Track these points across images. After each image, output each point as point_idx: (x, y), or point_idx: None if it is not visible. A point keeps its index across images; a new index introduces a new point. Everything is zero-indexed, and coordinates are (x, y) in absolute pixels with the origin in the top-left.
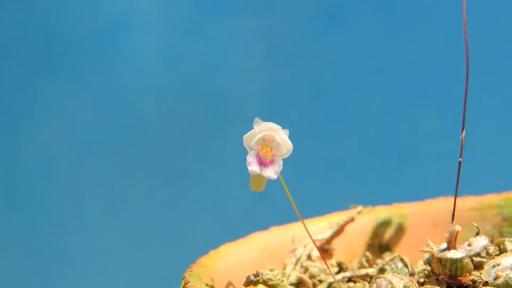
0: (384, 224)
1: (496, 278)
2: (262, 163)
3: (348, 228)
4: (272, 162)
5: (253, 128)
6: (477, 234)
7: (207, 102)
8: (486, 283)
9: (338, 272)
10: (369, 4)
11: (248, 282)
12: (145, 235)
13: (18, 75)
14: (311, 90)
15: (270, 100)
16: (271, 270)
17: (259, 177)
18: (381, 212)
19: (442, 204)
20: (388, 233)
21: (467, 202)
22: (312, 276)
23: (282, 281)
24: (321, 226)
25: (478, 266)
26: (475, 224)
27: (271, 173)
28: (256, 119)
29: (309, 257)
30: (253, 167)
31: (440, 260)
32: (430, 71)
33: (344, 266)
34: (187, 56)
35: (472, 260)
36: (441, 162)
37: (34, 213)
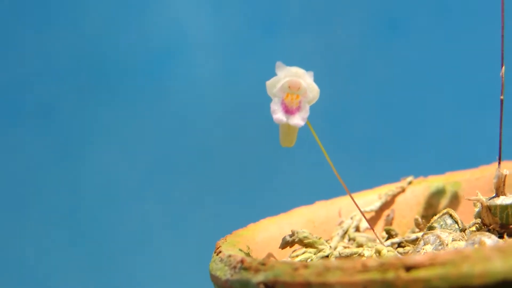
0: (438, 193)
1: None
2: (288, 111)
3: (399, 199)
4: (298, 109)
5: (276, 74)
6: None
7: (267, 122)
8: None
9: (387, 240)
10: (427, 10)
11: (284, 243)
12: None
13: (77, 102)
14: (373, 103)
15: (332, 117)
16: (319, 239)
17: (288, 129)
18: (434, 181)
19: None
20: (443, 203)
21: None
22: (360, 246)
23: (319, 239)
24: (370, 198)
25: None
26: None
27: (298, 120)
28: (278, 63)
29: (357, 229)
30: (279, 115)
31: (489, 208)
32: (491, 74)
33: (393, 233)
34: (245, 76)
35: None
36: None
37: (99, 241)
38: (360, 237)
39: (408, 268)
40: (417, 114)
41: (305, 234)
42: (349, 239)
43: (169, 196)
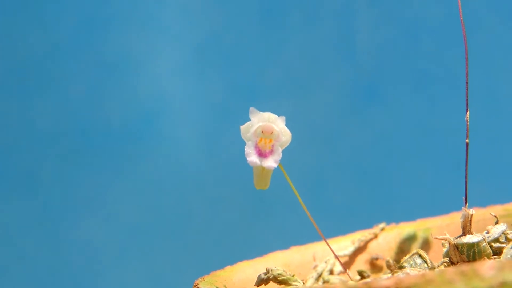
0: (409, 239)
1: None
2: (261, 154)
3: (372, 245)
4: (271, 152)
5: (250, 119)
6: (496, 223)
7: (247, 187)
8: None
9: (359, 280)
10: (406, 78)
11: (259, 281)
12: None
13: (56, 168)
14: (352, 169)
15: (311, 183)
16: (293, 276)
17: (262, 171)
18: (405, 228)
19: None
20: (414, 248)
21: (493, 211)
22: None
23: (293, 276)
24: (344, 244)
25: (498, 252)
26: (493, 214)
27: (271, 163)
28: (251, 108)
29: (331, 272)
30: (252, 157)
31: (456, 247)
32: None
33: (365, 274)
34: (226, 141)
35: (491, 247)
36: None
37: None
38: (334, 279)
39: None
40: (390, 168)
41: (279, 271)
42: (323, 282)
43: (149, 259)
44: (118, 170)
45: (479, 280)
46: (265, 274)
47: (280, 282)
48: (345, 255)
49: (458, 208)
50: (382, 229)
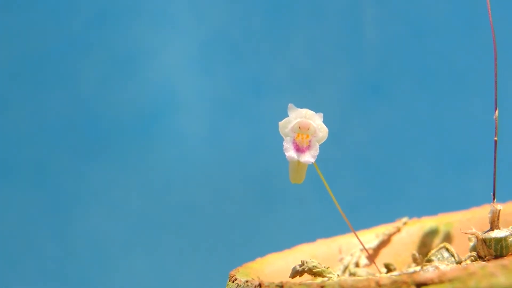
0: (431, 233)
1: None
2: (299, 149)
3: (395, 239)
4: (308, 147)
5: (288, 115)
6: None
7: (253, 181)
8: None
9: (386, 273)
10: (411, 75)
11: (294, 272)
12: None
13: (66, 161)
14: (357, 164)
15: (315, 176)
16: (327, 268)
17: (298, 166)
18: (427, 222)
19: (487, 210)
20: (436, 242)
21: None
22: None
23: (327, 268)
24: (368, 237)
25: None
26: None
27: (308, 158)
28: (290, 105)
29: (357, 265)
30: (290, 153)
31: (484, 241)
32: (476, 138)
33: (392, 267)
34: (231, 136)
35: None
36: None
37: None
38: (361, 271)
39: (419, 285)
40: (408, 165)
41: (314, 264)
42: (350, 274)
43: (157, 252)
44: (127, 163)
45: None
46: (300, 266)
47: (315, 274)
48: (369, 248)
49: (477, 204)
50: (405, 223)
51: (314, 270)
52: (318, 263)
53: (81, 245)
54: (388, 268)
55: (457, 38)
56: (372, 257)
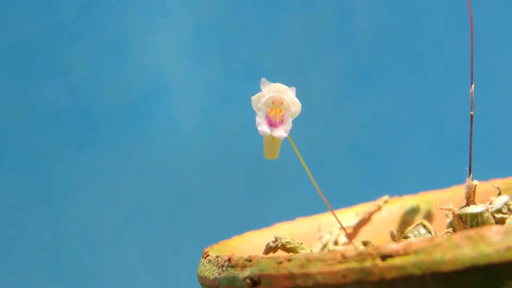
0: (412, 212)
1: None
2: (272, 124)
3: (375, 217)
4: (281, 122)
5: (260, 89)
6: (499, 194)
7: (245, 166)
8: None
9: None
10: (401, 60)
11: (268, 248)
12: None
13: (57, 149)
14: (348, 149)
15: (307, 162)
16: (300, 244)
17: (272, 142)
18: (408, 200)
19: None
20: (417, 220)
21: (494, 184)
22: None
23: (301, 244)
24: (348, 216)
25: (500, 223)
26: (496, 185)
27: (281, 132)
28: (263, 79)
29: (336, 243)
30: (263, 127)
31: (460, 216)
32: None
33: (370, 244)
34: (223, 121)
35: (494, 217)
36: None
37: (81, 283)
38: (338, 249)
39: (384, 257)
40: (399, 150)
41: (287, 240)
42: (328, 251)
43: (149, 239)
44: (118, 151)
45: (486, 244)
46: (274, 242)
47: (288, 250)
48: (349, 227)
49: (459, 182)
50: (386, 202)
51: (287, 246)
52: (292, 239)
53: (73, 233)
54: (366, 245)
55: (448, 22)
56: (352, 235)
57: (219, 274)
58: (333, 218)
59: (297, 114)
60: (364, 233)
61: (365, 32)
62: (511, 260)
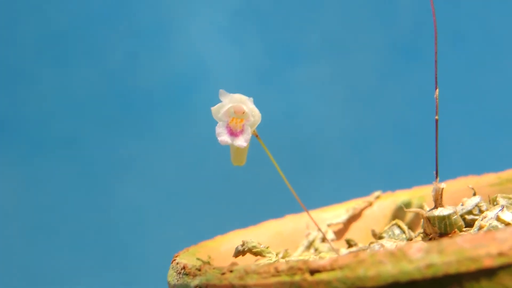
0: (404, 207)
1: (480, 228)
2: (232, 133)
3: (366, 213)
4: (242, 131)
5: (220, 100)
6: (474, 195)
7: (290, 148)
8: None
9: (348, 248)
10: (444, 36)
11: (237, 252)
12: None
13: (101, 133)
14: (392, 128)
15: (352, 142)
16: (266, 248)
17: (238, 150)
18: (400, 196)
19: (461, 183)
20: (408, 216)
21: (486, 179)
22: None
23: (267, 248)
24: (339, 212)
25: (471, 224)
26: (470, 186)
27: (241, 141)
28: (221, 91)
29: (323, 240)
30: (224, 137)
31: (429, 219)
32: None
33: (352, 243)
34: (266, 104)
35: (464, 218)
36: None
37: (127, 266)
38: (323, 246)
39: (312, 272)
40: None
41: (253, 244)
42: (315, 250)
43: (193, 220)
44: (161, 133)
45: (407, 262)
46: (242, 246)
47: (255, 254)
48: (338, 223)
49: (454, 176)
50: (377, 197)
51: (254, 250)
52: (258, 243)
53: (118, 215)
54: (349, 243)
55: None
56: (342, 231)
57: (177, 281)
58: (322, 214)
59: (257, 124)
60: (355, 229)
61: (407, 9)
62: (431, 277)
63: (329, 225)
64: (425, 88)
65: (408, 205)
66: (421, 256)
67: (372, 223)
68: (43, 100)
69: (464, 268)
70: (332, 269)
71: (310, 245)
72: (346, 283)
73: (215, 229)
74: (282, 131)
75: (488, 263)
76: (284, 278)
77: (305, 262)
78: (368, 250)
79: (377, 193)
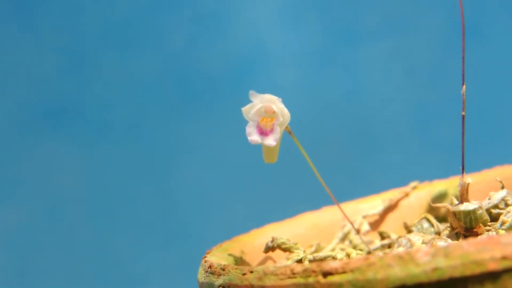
0: (440, 197)
1: (503, 223)
2: (262, 133)
3: (403, 203)
4: (271, 131)
5: (251, 101)
6: (502, 188)
7: (351, 128)
8: None
9: (380, 241)
10: (507, 14)
11: (267, 248)
12: None
13: (163, 117)
14: (454, 108)
15: (414, 122)
16: (295, 244)
17: (270, 148)
18: (437, 186)
19: (497, 173)
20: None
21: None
22: (354, 247)
23: (295, 244)
24: (375, 203)
25: (497, 218)
26: (498, 179)
27: (271, 141)
28: (251, 91)
29: (357, 231)
30: (254, 136)
31: (454, 214)
32: None
33: (385, 235)
34: (326, 84)
35: (490, 213)
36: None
37: (189, 242)
38: (357, 239)
39: (325, 274)
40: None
41: (282, 240)
42: (349, 242)
43: (254, 200)
44: (222, 116)
45: (414, 265)
46: (271, 242)
47: (284, 250)
48: (374, 214)
49: (489, 166)
50: (414, 188)
51: (283, 246)
52: (287, 240)
53: (180, 197)
54: (382, 236)
55: None
56: (378, 222)
57: (204, 279)
58: (360, 205)
59: (287, 123)
60: (391, 220)
61: None
62: (437, 280)
63: (364, 217)
64: (487, 67)
65: (444, 195)
66: (428, 259)
67: (409, 213)
68: (106, 85)
69: (469, 271)
70: (344, 272)
71: (344, 237)
72: (356, 285)
73: (283, 211)
74: (343, 112)
75: (492, 266)
76: (299, 280)
77: (318, 264)
78: (396, 244)
79: (414, 183)
